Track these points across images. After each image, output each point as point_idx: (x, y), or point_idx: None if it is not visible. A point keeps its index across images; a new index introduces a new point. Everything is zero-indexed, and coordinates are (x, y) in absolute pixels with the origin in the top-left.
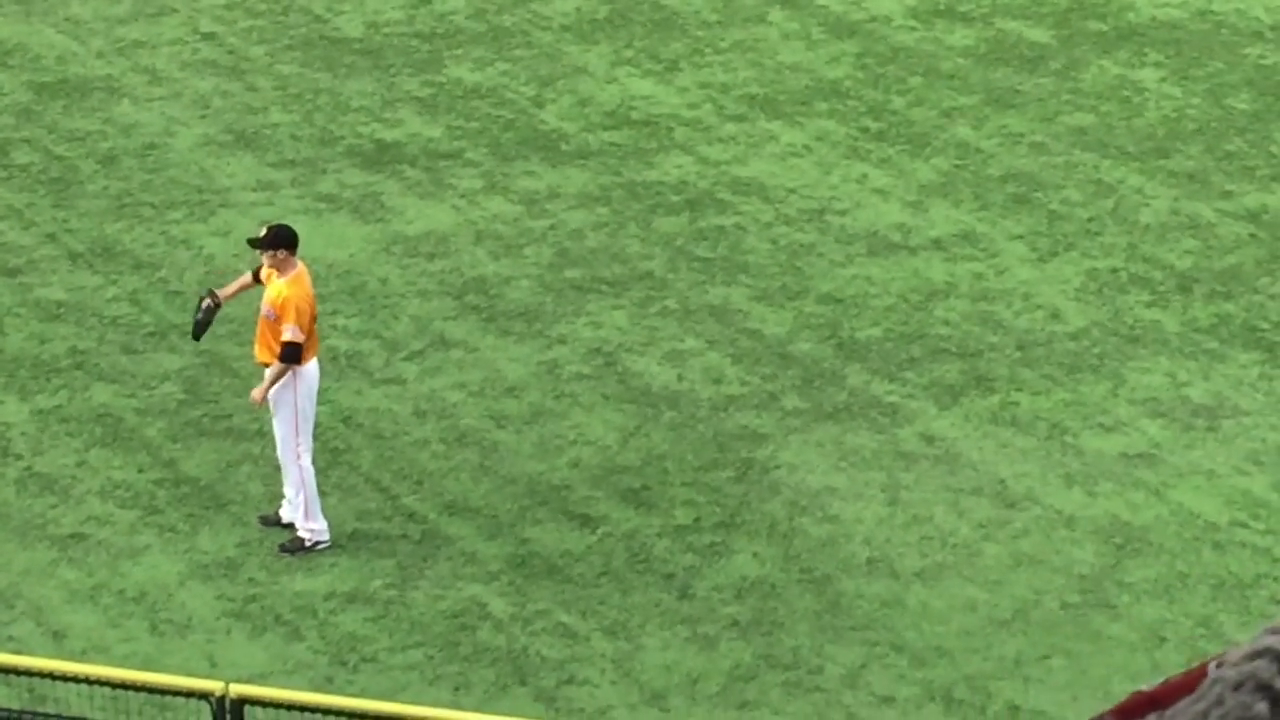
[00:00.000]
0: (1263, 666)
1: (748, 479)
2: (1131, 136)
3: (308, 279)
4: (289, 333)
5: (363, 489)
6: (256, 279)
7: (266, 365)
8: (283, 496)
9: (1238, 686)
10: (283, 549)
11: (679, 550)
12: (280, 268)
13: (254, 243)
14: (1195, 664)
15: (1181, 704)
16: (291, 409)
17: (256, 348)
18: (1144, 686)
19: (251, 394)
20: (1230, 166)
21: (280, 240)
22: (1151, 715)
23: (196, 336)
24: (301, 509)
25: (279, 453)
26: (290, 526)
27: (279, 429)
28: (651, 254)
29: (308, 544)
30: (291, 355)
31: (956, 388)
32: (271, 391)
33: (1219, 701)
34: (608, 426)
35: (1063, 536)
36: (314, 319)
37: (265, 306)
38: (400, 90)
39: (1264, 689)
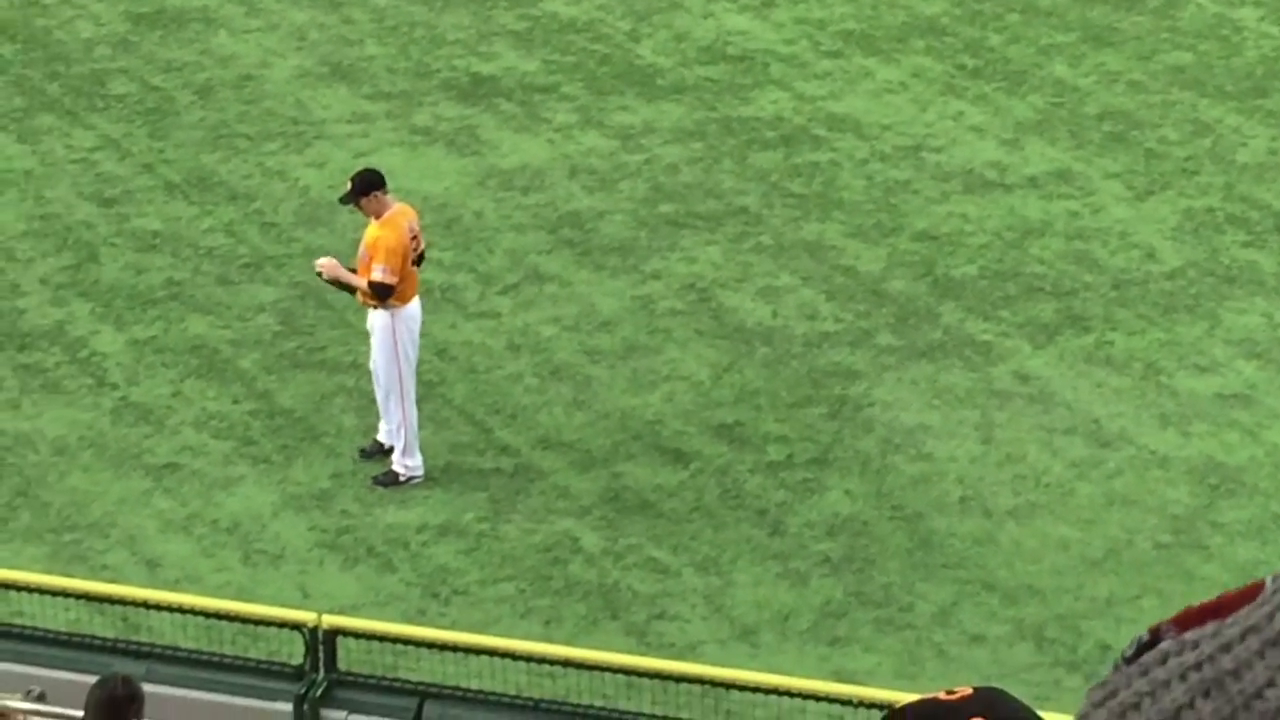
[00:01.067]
0: None
1: (841, 416)
2: (1230, 75)
3: (405, 219)
4: (378, 272)
5: (456, 422)
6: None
7: (365, 306)
8: (376, 428)
9: None
10: (376, 481)
11: (771, 486)
12: (374, 210)
13: (344, 199)
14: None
15: (1242, 611)
16: (393, 350)
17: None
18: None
19: (321, 261)
20: None
21: (366, 186)
22: (1211, 623)
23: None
24: (402, 444)
25: (379, 391)
26: (388, 451)
27: (382, 368)
28: (746, 190)
29: (402, 479)
30: (381, 293)
31: (1051, 327)
32: (375, 332)
33: None
34: (701, 362)
35: (1156, 477)
36: (408, 259)
37: (361, 248)
38: (496, 23)
39: None
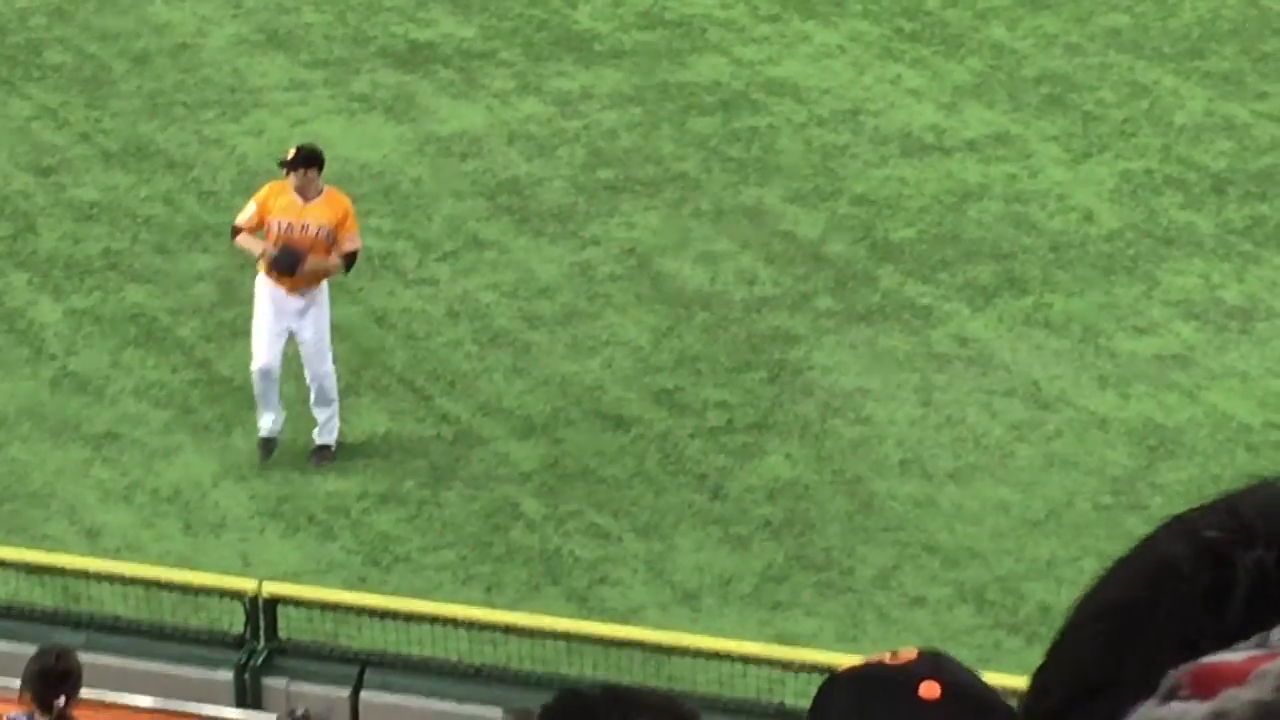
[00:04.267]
0: None
1: (780, 380)
2: (1167, 37)
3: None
4: (352, 242)
5: (395, 389)
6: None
7: (299, 288)
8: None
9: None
10: (318, 462)
11: (711, 451)
12: (316, 186)
13: (296, 164)
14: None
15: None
16: (328, 322)
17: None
18: (1223, 655)
19: (330, 261)
20: (1266, 67)
21: (312, 159)
22: (1223, 690)
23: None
24: (333, 414)
25: (315, 370)
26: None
27: (318, 347)
28: (684, 155)
29: (333, 448)
30: (350, 261)
31: (990, 289)
32: (312, 308)
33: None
34: (640, 327)
35: (1096, 438)
36: None
37: (316, 226)
38: None
39: None
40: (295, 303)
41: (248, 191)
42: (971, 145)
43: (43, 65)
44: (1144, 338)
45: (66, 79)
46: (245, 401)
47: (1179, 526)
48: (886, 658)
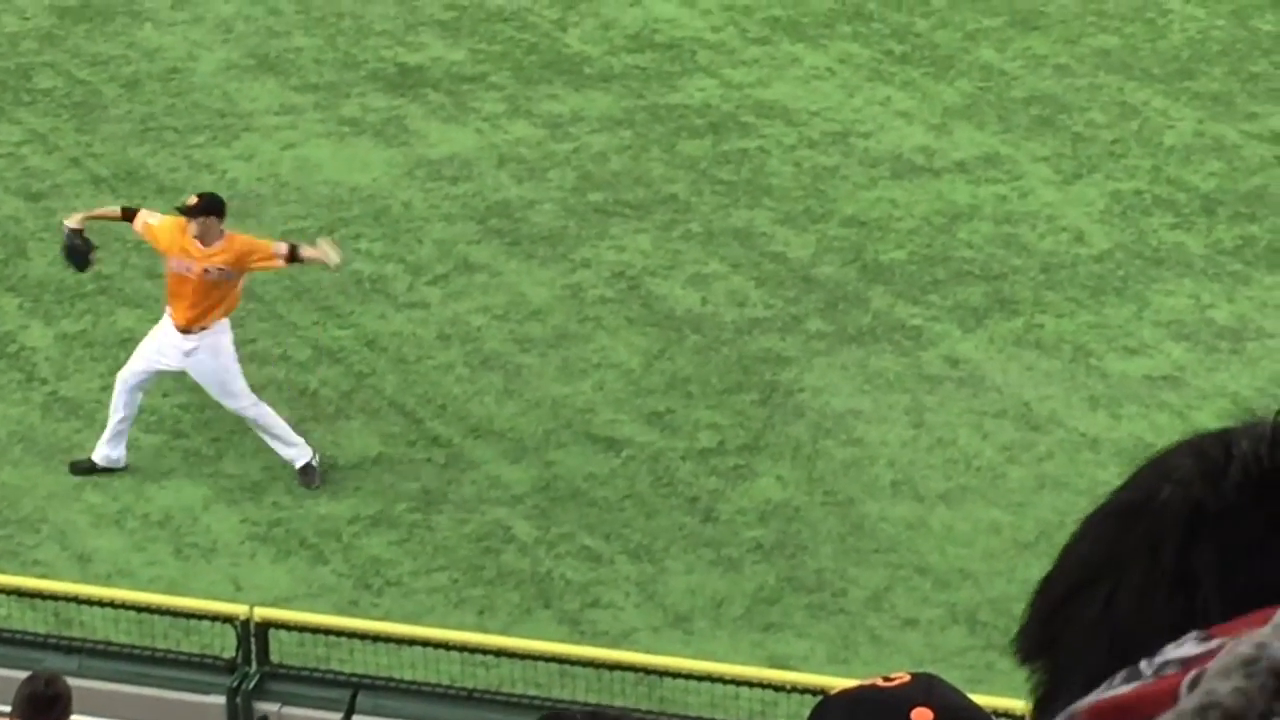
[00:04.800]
0: (1236, 695)
1: (771, 402)
2: (1156, 58)
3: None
4: (280, 248)
5: (387, 413)
6: (126, 217)
7: (188, 327)
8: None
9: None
10: (305, 483)
11: (703, 473)
12: (216, 233)
13: (195, 211)
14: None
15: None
16: (227, 363)
17: (177, 308)
18: (1118, 687)
19: (334, 258)
20: (1255, 88)
21: (213, 208)
22: None
23: (81, 268)
24: (281, 440)
25: (230, 409)
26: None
27: (221, 390)
28: (675, 177)
29: (312, 467)
30: (294, 255)
31: (980, 310)
32: (199, 352)
33: None
34: (631, 350)
35: (1087, 459)
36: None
37: (205, 269)
38: (423, 14)
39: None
40: (180, 342)
41: (238, 215)
42: (961, 166)
43: (33, 90)
44: (1135, 358)
45: (57, 104)
46: (235, 426)
47: (1178, 444)
48: (880, 681)
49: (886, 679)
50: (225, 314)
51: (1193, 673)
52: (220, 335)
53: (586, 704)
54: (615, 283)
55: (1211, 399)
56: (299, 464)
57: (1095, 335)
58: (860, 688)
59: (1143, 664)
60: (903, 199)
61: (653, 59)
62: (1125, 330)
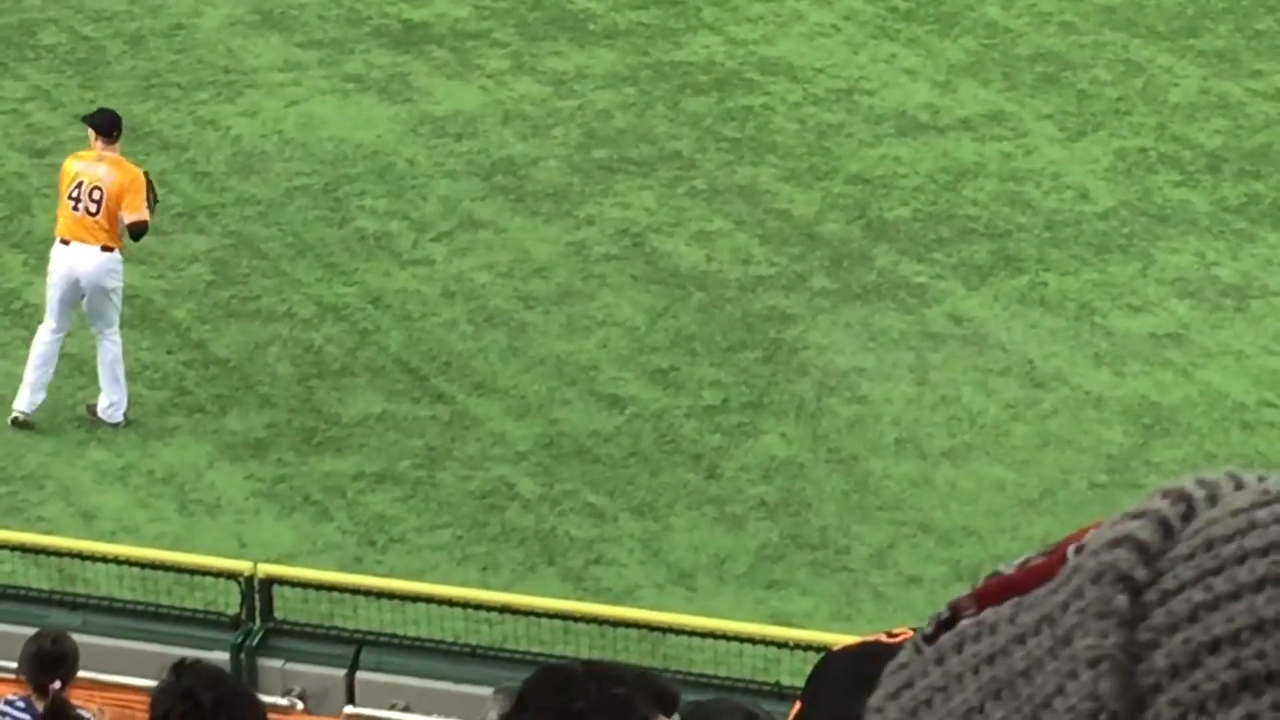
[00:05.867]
0: (1122, 556)
1: (776, 359)
2: (1161, 15)
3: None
4: (140, 214)
5: (391, 370)
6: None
7: (78, 242)
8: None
9: (1097, 578)
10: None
11: (707, 430)
12: (114, 151)
13: (97, 125)
14: (1061, 540)
15: (1040, 591)
16: (120, 297)
17: (66, 225)
18: (1002, 567)
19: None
20: (1260, 45)
21: (111, 123)
22: (1009, 601)
23: None
24: (119, 386)
25: (105, 345)
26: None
27: (109, 317)
28: (679, 134)
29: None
30: (140, 234)
31: (985, 268)
32: (99, 283)
33: (1078, 594)
34: (636, 307)
35: (1091, 417)
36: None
37: (103, 189)
38: None
39: (1124, 579)
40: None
41: (243, 172)
42: (966, 124)
43: (37, 46)
44: (1139, 316)
45: (61, 60)
46: (241, 382)
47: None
48: (884, 636)
49: (890, 634)
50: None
51: (1075, 544)
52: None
53: (589, 660)
54: (619, 240)
55: (1216, 357)
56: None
57: (1100, 293)
58: (864, 643)
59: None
60: (907, 156)
61: (657, 15)
62: (1130, 288)
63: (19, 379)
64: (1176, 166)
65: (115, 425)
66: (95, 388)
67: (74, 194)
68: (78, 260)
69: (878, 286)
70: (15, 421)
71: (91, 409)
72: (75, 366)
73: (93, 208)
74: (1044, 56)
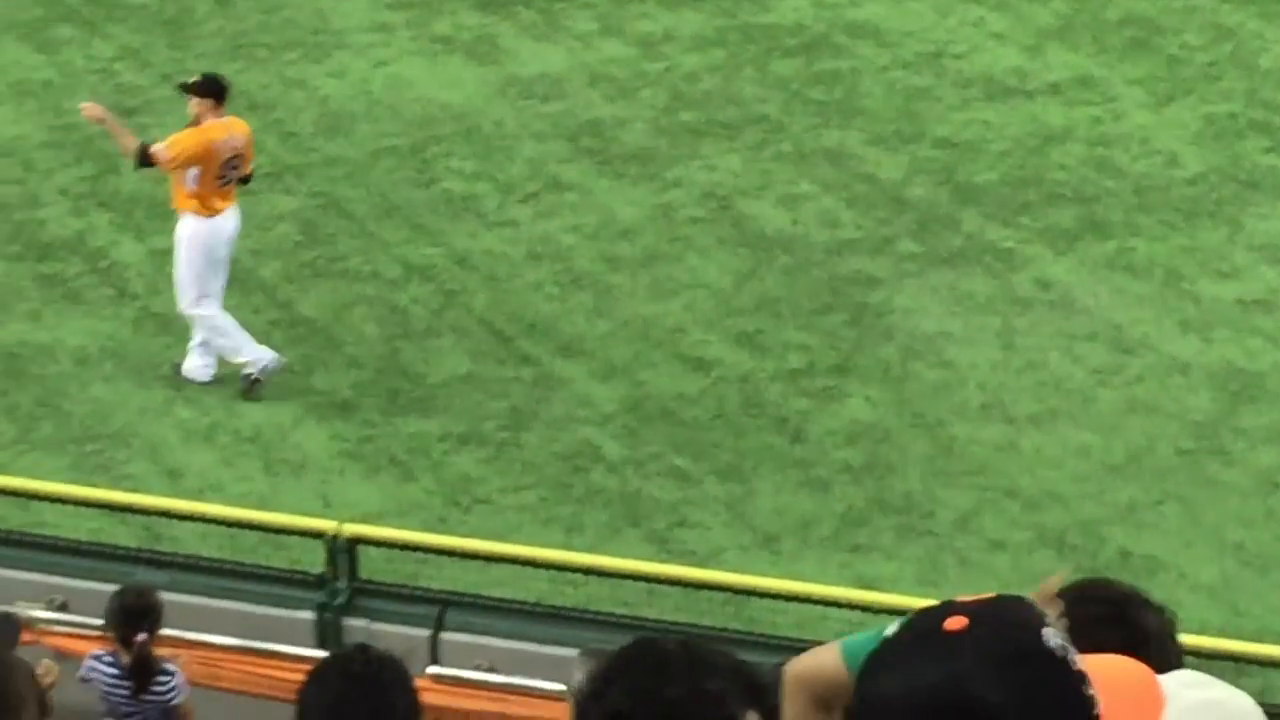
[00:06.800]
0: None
1: (861, 323)
2: None
3: (225, 132)
4: (158, 144)
5: (476, 331)
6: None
7: (177, 211)
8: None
9: None
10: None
11: (792, 394)
12: (203, 118)
13: (183, 87)
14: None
15: None
16: (195, 255)
17: (225, 194)
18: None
19: (88, 105)
20: None
21: (205, 90)
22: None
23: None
24: (227, 346)
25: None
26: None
27: (178, 275)
28: (767, 97)
29: (256, 376)
30: (141, 158)
31: (1072, 233)
32: (182, 238)
33: None
34: (722, 270)
35: (1178, 383)
36: (221, 175)
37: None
38: None
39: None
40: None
41: (330, 132)
42: (1055, 88)
43: (126, 6)
44: (1227, 282)
45: (149, 20)
46: (327, 343)
47: None
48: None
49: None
50: (189, 209)
51: None
52: (194, 224)
53: (675, 624)
54: (706, 202)
55: None
56: (250, 371)
57: (1187, 259)
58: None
59: None
60: (995, 120)
61: None
62: (1218, 254)
63: (106, 337)
64: (1266, 132)
65: (204, 384)
66: (183, 346)
67: (234, 163)
68: (235, 223)
69: (964, 251)
70: (254, 383)
71: (177, 367)
72: (162, 326)
73: (233, 175)
74: (1133, 21)
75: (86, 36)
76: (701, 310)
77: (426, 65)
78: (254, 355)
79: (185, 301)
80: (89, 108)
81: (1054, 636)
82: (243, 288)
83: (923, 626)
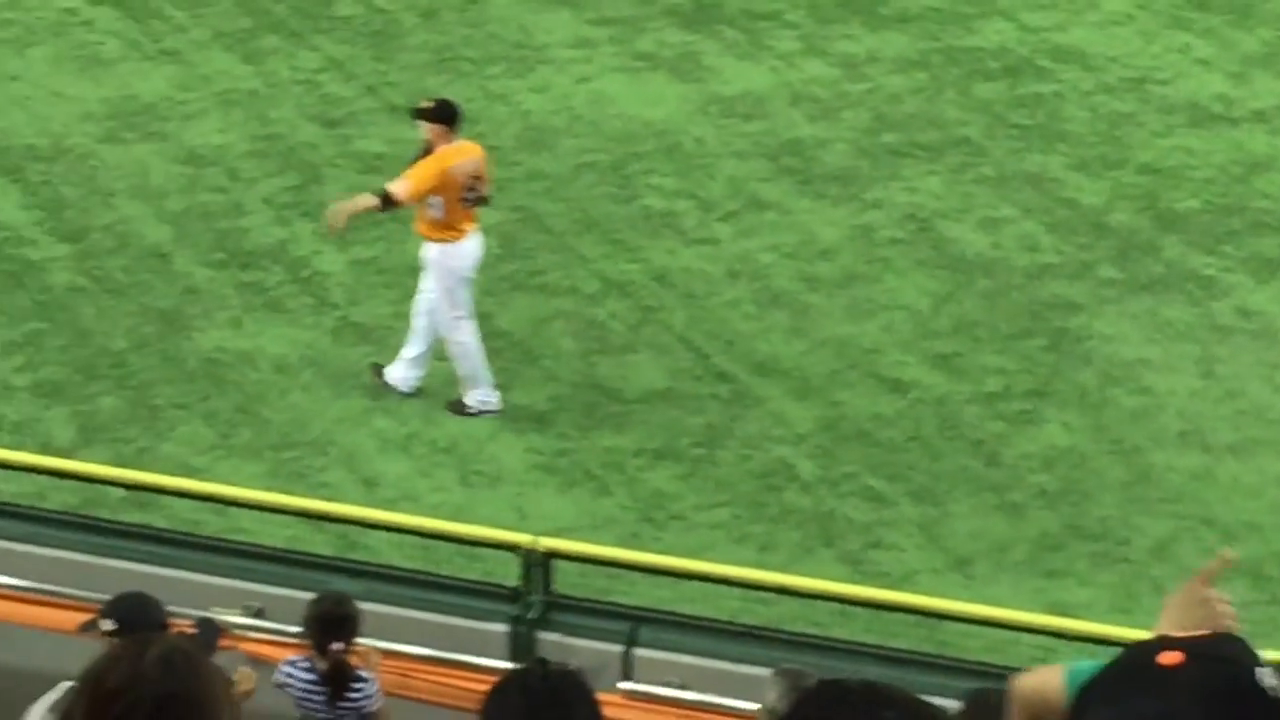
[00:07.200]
0: None
1: (1060, 348)
2: None
3: (462, 156)
4: (395, 183)
5: (674, 348)
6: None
7: (423, 238)
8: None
9: None
10: (449, 406)
11: (988, 417)
12: (437, 143)
13: (416, 114)
14: None
15: None
16: (446, 279)
17: (469, 215)
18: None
19: (330, 211)
20: None
21: (437, 115)
22: None
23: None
24: (467, 375)
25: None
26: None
27: (431, 301)
28: (969, 120)
29: (470, 410)
30: (385, 201)
31: (1275, 262)
32: (430, 262)
33: None
34: (920, 291)
35: None
36: (463, 198)
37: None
38: None
39: None
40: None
41: (532, 147)
42: (1260, 116)
43: (332, 17)
44: None
45: (355, 32)
46: (525, 357)
47: None
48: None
49: (1193, 637)
50: (435, 237)
51: None
52: (437, 250)
53: (866, 645)
54: (906, 224)
55: None
56: (467, 401)
57: None
58: (1161, 637)
59: None
60: (1199, 147)
61: (950, 0)
62: None
63: (306, 346)
64: None
65: (404, 393)
66: (382, 356)
67: (473, 185)
68: (479, 245)
69: (1165, 278)
70: (465, 412)
71: (378, 369)
72: (361, 336)
73: (473, 197)
74: None
75: (292, 47)
76: (899, 331)
77: (629, 82)
78: (484, 396)
79: (444, 325)
80: (333, 220)
81: (1269, 676)
82: None
83: (1137, 660)
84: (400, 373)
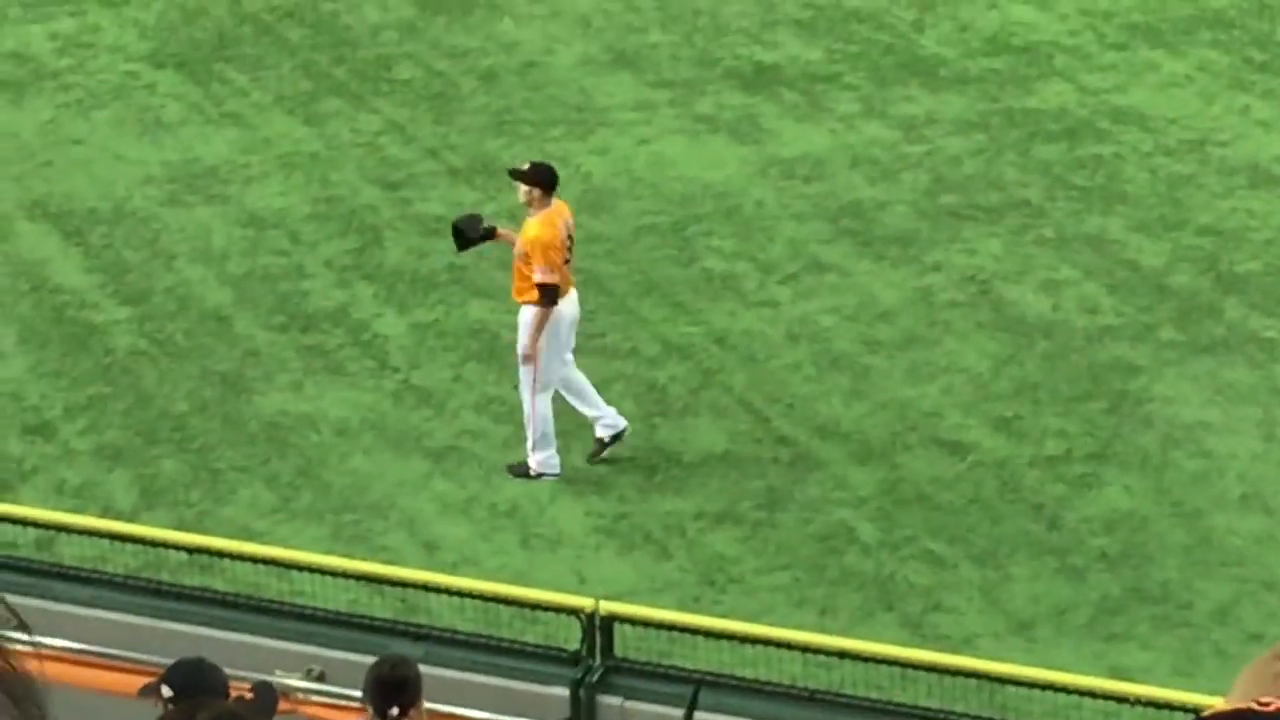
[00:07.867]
0: None
1: (1121, 411)
2: None
3: (561, 217)
4: (539, 274)
5: (734, 410)
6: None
7: (522, 303)
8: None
9: None
10: (509, 468)
11: (1049, 480)
12: (533, 205)
13: (513, 174)
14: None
15: None
16: (542, 343)
17: (513, 287)
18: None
19: (520, 348)
20: None
21: (535, 178)
22: None
23: (461, 247)
24: (532, 439)
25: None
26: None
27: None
28: (1029, 182)
29: (533, 473)
30: (549, 297)
31: None
32: (522, 325)
33: None
34: (980, 354)
35: None
36: (565, 259)
37: (518, 244)
38: (779, 12)
39: None
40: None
41: (592, 209)
42: None
43: (392, 80)
44: None
45: (415, 95)
46: (583, 418)
47: None
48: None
49: (1260, 703)
50: (532, 299)
51: None
52: (524, 312)
53: (928, 709)
54: (966, 286)
55: None
56: (525, 460)
57: None
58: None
59: None
60: (1260, 209)
61: (1009, 62)
62: None
63: (366, 409)
64: None
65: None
66: (440, 420)
67: (570, 246)
68: (576, 306)
69: (1226, 340)
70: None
71: (521, 469)
72: (422, 399)
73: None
74: None
75: (353, 110)
76: (959, 394)
77: (688, 144)
78: (548, 460)
79: (525, 385)
80: (527, 353)
81: None
82: (502, 362)
83: None
84: (540, 457)
